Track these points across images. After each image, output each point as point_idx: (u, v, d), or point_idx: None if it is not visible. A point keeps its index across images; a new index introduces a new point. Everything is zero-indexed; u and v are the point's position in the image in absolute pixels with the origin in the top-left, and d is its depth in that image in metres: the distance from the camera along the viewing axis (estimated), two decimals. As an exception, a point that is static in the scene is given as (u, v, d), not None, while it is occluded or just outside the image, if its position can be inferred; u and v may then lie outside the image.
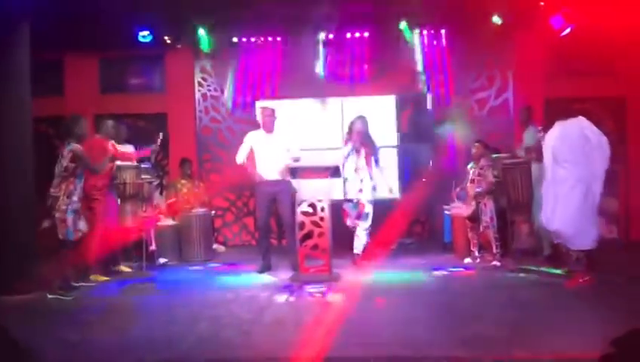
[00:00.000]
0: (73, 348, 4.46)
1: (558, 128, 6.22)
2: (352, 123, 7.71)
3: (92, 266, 7.11)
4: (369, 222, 7.57)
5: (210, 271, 7.88)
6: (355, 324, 4.87)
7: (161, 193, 10.14)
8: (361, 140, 7.54)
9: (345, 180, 7.59)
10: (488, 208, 7.52)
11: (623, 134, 9.60)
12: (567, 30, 8.77)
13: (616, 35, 8.98)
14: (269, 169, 7.45)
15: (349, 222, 7.59)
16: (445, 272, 7.14)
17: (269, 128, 7.58)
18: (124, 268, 7.70)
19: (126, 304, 6.02)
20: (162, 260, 8.26)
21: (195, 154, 10.31)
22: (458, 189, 8.18)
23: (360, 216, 7.54)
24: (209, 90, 10.45)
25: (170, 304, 5.94)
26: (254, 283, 6.95)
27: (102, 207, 7.07)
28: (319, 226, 6.75)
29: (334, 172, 7.03)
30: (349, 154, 7.55)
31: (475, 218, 7.60)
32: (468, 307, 5.49)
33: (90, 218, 6.83)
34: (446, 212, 8.59)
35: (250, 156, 7.63)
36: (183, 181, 9.47)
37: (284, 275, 7.17)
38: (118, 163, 7.22)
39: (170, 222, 8.78)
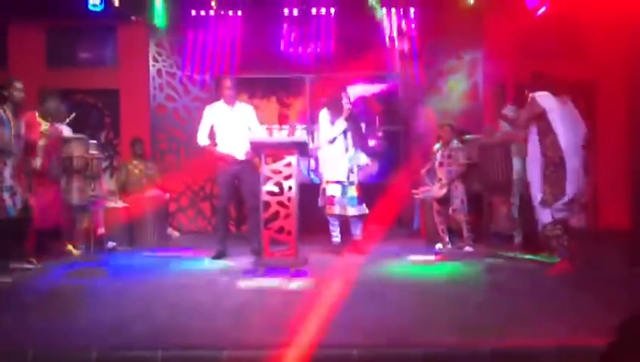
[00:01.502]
0: (8, 334, 3.88)
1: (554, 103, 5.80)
2: (343, 99, 7.03)
3: (32, 247, 6.44)
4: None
5: (163, 256, 7.26)
6: (332, 311, 4.38)
7: (111, 175, 9.55)
8: (354, 118, 7.03)
9: (324, 160, 7.04)
10: (459, 191, 7.19)
11: (593, 120, 9.35)
12: (542, 9, 8.46)
13: (588, 17, 8.74)
14: (231, 146, 6.90)
15: (337, 210, 6.89)
16: (420, 258, 6.70)
17: (230, 101, 7.01)
18: (72, 249, 7.06)
19: (71, 287, 5.39)
20: (111, 244, 7.65)
21: (148, 133, 9.71)
22: (424, 171, 7.80)
23: (360, 201, 6.97)
24: (164, 66, 9.85)
25: (120, 288, 5.34)
26: (212, 268, 6.42)
27: (42, 185, 6.44)
28: (286, 207, 6.25)
29: (301, 150, 6.49)
30: (341, 132, 6.95)
31: (444, 201, 7.23)
32: (451, 293, 5.07)
33: (30, 196, 6.18)
34: (415, 196, 8.21)
35: (211, 135, 7.06)
36: (135, 162, 8.83)
37: (244, 261, 6.66)
38: (66, 135, 6.58)
39: (120, 204, 8.16)
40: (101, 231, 7.53)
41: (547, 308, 4.40)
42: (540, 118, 5.65)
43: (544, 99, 5.72)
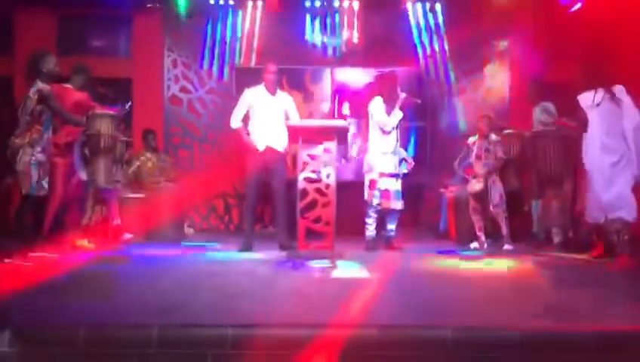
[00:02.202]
0: (53, 314, 3.47)
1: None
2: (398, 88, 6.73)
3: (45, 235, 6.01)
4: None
5: (185, 249, 6.88)
6: (385, 298, 4.01)
7: (122, 166, 9.10)
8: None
9: (377, 152, 6.65)
10: (498, 186, 6.86)
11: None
12: (577, 6, 8.19)
13: (618, 20, 8.49)
14: (267, 136, 6.52)
15: (393, 205, 6.59)
16: (460, 257, 6.35)
17: (272, 87, 6.65)
18: (84, 244, 6.62)
19: (101, 272, 4.99)
20: (128, 235, 7.22)
21: (161, 126, 9.31)
22: (456, 163, 7.44)
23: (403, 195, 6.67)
24: (180, 57, 9.47)
25: (154, 273, 4.97)
26: (245, 259, 6.04)
27: (65, 165, 6.05)
28: (324, 195, 5.87)
29: (341, 137, 6.14)
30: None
31: (481, 197, 6.89)
32: (517, 285, 4.72)
33: (52, 177, 5.78)
34: (445, 194, 7.88)
35: (245, 120, 6.70)
36: (148, 154, 8.43)
37: (273, 254, 6.28)
38: (91, 111, 6.18)
39: (136, 195, 7.74)
40: (117, 222, 7.11)
41: (621, 296, 4.10)
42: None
43: (583, 100, 5.64)
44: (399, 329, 3.19)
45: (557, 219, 6.25)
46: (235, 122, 6.64)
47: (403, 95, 6.59)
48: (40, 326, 3.20)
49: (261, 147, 6.50)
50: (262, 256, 6.18)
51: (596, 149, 5.53)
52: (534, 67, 8.63)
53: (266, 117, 6.55)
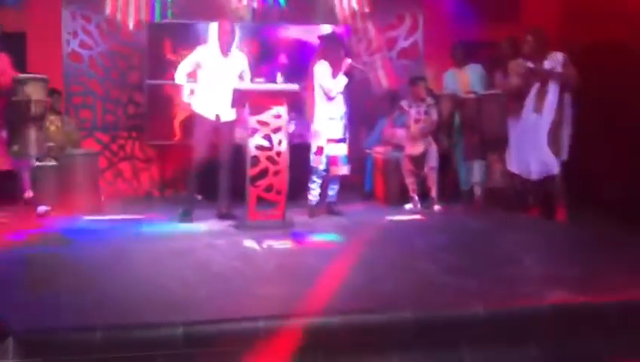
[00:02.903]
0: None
1: None
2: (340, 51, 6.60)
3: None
4: None
5: (114, 222, 6.40)
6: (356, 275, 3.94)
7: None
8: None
9: (323, 117, 6.47)
10: (434, 149, 6.97)
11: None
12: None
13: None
14: (217, 101, 6.08)
15: (343, 170, 6.51)
16: (406, 217, 6.43)
17: (227, 49, 6.15)
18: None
19: (46, 257, 4.50)
20: (43, 208, 6.60)
21: (61, 85, 8.48)
22: (387, 129, 7.43)
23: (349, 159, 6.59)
24: (80, 8, 8.63)
25: (111, 257, 4.53)
26: (194, 231, 5.70)
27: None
28: (276, 163, 5.68)
29: (292, 101, 5.90)
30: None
31: (419, 159, 6.97)
32: (475, 247, 4.83)
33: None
34: (372, 155, 7.89)
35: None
36: (52, 117, 7.67)
37: (217, 224, 6.00)
38: (21, 75, 5.48)
39: (47, 163, 7.06)
40: (28, 194, 6.50)
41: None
42: None
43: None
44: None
45: (500, 180, 6.44)
46: (180, 77, 6.16)
47: (348, 60, 6.43)
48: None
49: (211, 115, 6.09)
50: (212, 228, 5.88)
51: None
52: (446, 31, 8.69)
53: (217, 79, 6.09)
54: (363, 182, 8.31)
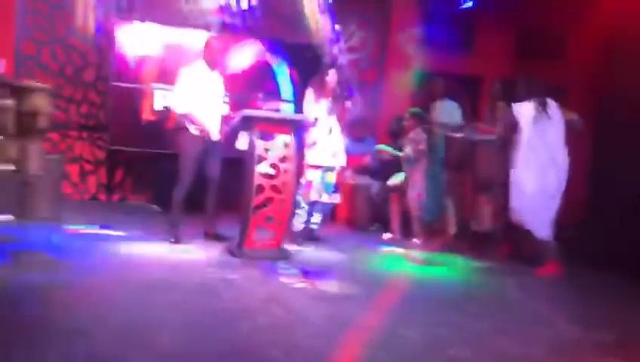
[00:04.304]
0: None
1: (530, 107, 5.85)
2: (326, 71, 6.45)
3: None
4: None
5: (90, 235, 5.96)
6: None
7: None
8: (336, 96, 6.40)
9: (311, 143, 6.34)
10: (418, 179, 6.93)
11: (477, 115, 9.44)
12: (469, 3, 8.40)
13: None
14: (211, 117, 5.83)
15: (314, 196, 6.30)
16: (395, 249, 6.45)
17: (214, 65, 5.92)
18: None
19: (45, 289, 4.04)
20: (3, 218, 6.02)
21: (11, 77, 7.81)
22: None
23: (336, 189, 6.45)
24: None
25: (126, 290, 4.16)
26: (196, 259, 5.35)
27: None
28: (279, 192, 5.49)
29: (298, 130, 5.73)
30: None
31: (401, 189, 6.98)
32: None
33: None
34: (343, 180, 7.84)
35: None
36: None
37: (210, 249, 5.70)
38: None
39: (4, 166, 6.43)
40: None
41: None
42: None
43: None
44: None
45: (488, 223, 6.51)
46: (184, 106, 5.77)
47: (332, 85, 6.38)
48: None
49: (212, 134, 5.80)
50: (208, 254, 5.54)
51: (536, 161, 5.75)
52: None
53: (207, 96, 5.83)
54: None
